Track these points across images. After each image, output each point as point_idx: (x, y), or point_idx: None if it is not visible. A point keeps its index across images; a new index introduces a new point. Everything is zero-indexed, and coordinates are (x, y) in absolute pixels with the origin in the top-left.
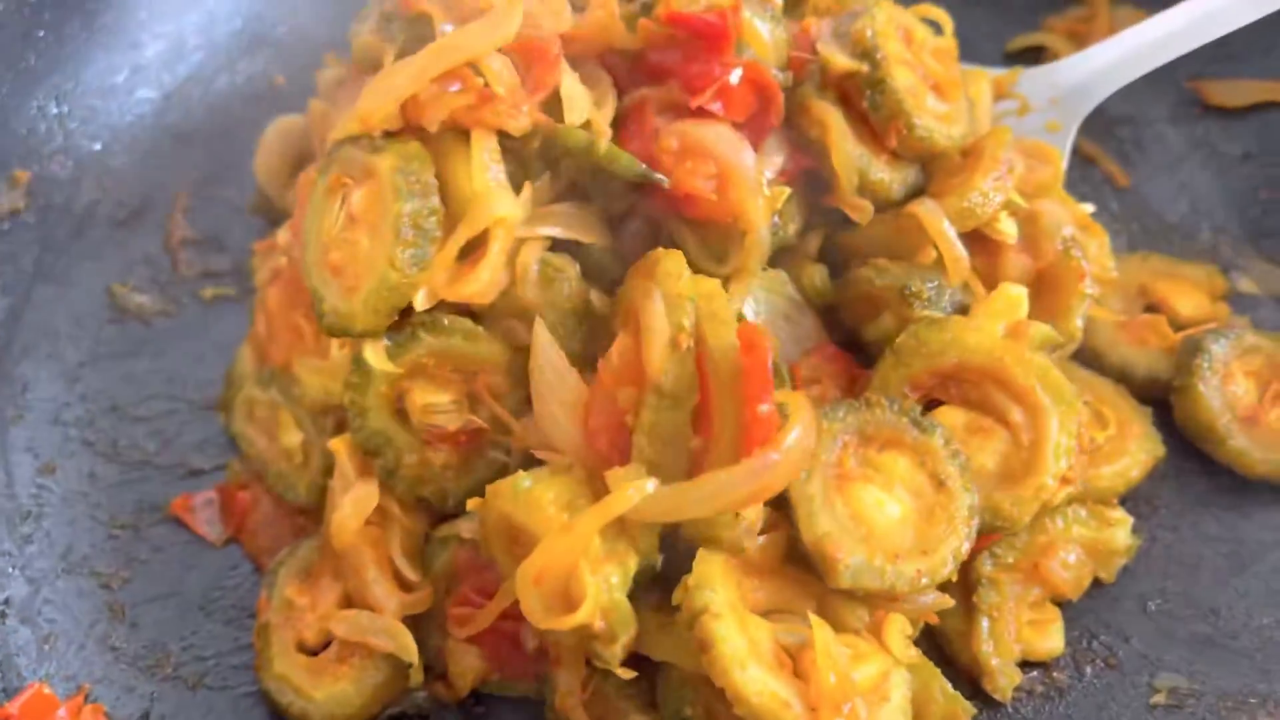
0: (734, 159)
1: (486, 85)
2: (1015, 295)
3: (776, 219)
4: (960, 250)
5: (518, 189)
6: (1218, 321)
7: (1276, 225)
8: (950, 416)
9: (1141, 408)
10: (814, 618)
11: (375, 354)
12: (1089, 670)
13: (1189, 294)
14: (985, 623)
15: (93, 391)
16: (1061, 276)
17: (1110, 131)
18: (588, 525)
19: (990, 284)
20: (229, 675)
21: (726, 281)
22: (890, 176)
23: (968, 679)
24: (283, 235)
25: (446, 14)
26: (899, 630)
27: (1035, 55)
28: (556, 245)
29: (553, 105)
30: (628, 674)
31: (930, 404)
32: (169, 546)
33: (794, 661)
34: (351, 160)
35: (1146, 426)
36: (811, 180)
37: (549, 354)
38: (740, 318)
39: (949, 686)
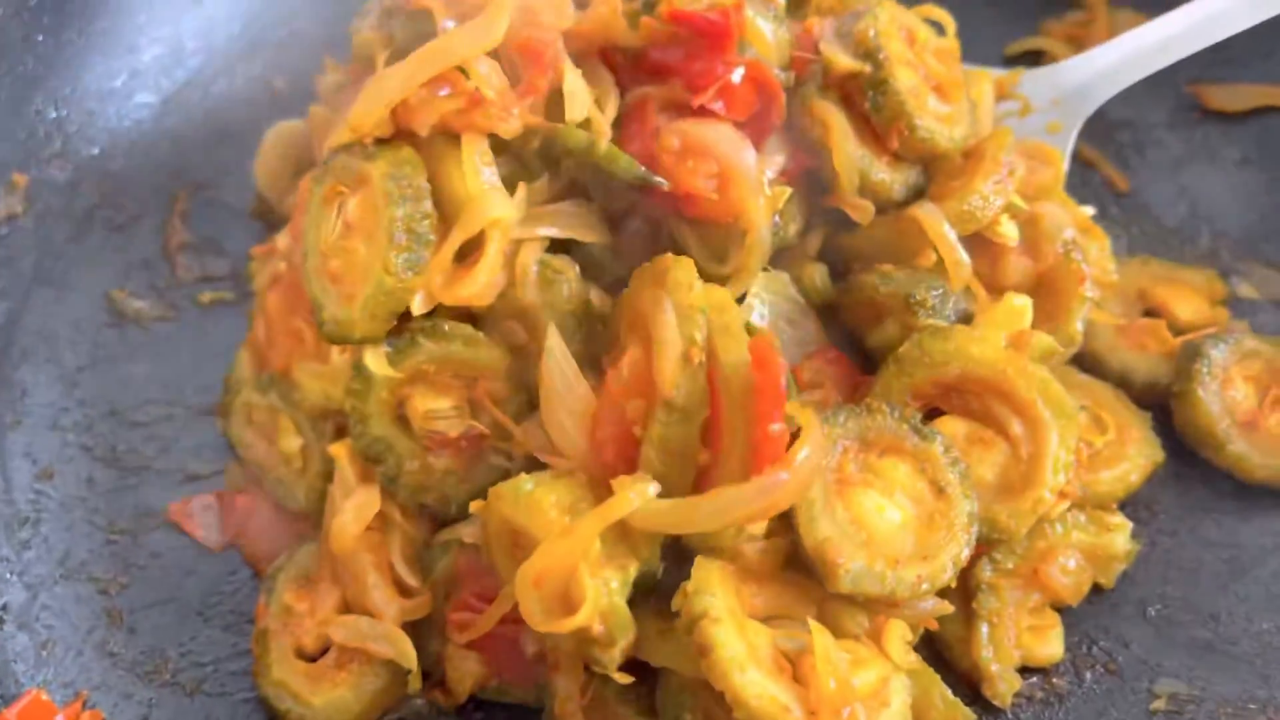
0: (735, 158)
1: (476, 89)
2: (1019, 306)
3: (777, 219)
4: (961, 254)
5: (517, 190)
6: (1217, 326)
7: (1276, 230)
8: (951, 427)
9: (1141, 412)
10: (813, 623)
11: (376, 360)
12: (1089, 676)
13: (1188, 298)
14: (985, 628)
15: (91, 396)
16: (1062, 279)
17: (1110, 136)
18: (589, 528)
19: (991, 287)
20: (227, 681)
21: (726, 280)
22: (891, 177)
23: (967, 685)
24: (281, 240)
25: (447, 9)
26: (899, 636)
27: (1034, 59)
28: (556, 244)
29: (554, 103)
30: (626, 679)
31: (931, 414)
32: (167, 552)
33: (793, 667)
34: (345, 168)
35: (1146, 431)
36: (812, 180)
37: (561, 362)
38: (749, 326)
39: (949, 692)
